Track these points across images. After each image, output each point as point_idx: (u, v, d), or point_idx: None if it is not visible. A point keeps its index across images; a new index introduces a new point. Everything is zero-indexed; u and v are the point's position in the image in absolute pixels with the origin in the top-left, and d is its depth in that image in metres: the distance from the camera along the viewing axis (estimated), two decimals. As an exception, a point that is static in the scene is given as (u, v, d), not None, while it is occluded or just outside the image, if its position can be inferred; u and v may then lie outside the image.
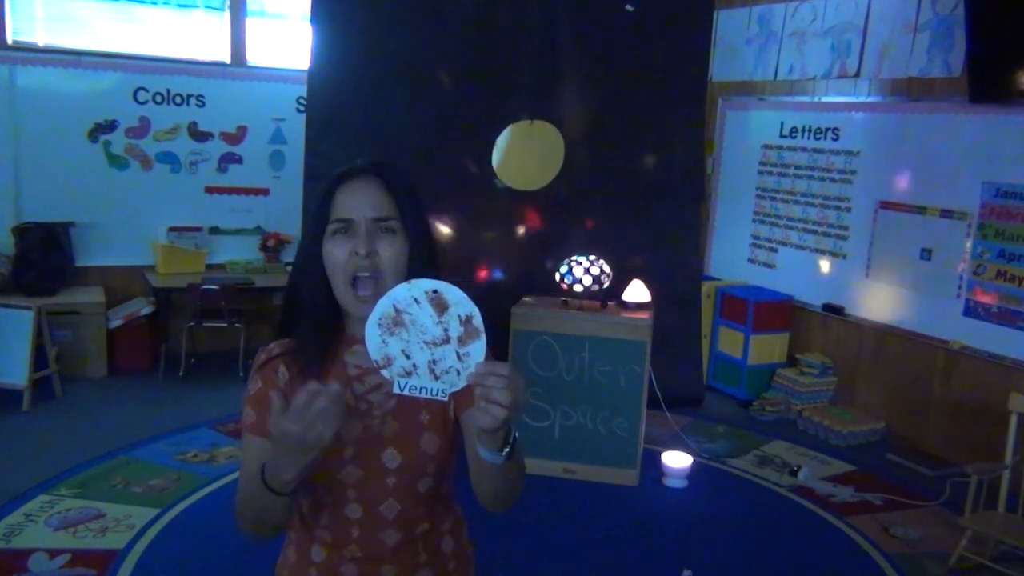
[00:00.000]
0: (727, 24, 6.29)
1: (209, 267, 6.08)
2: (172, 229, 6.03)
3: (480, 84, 4.80)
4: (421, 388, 1.22)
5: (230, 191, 6.19)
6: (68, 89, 5.65)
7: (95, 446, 4.47)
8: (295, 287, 1.46)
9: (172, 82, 5.91)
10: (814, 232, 5.68)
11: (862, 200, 5.34)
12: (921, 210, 4.96)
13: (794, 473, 4.53)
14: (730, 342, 5.88)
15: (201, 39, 6.02)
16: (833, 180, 5.53)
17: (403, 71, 4.69)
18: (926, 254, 4.94)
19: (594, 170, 5.04)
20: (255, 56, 6.17)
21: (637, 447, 4.33)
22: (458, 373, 1.20)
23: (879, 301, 5.24)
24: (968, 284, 4.70)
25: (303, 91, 5.23)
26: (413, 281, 1.21)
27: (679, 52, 5.11)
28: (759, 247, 6.15)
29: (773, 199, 6.01)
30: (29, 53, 5.58)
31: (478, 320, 1.19)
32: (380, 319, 1.21)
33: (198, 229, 6.12)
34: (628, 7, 4.88)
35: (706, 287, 5.85)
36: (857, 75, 5.34)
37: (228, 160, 6.16)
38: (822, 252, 5.63)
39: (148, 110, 5.88)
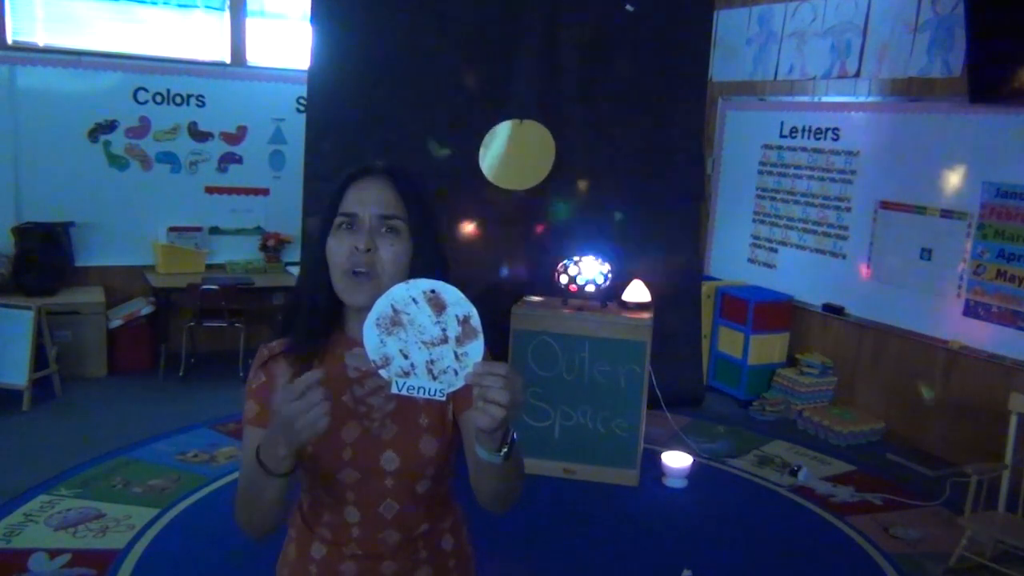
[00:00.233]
0: (727, 24, 6.29)
1: (209, 267, 6.08)
2: (172, 229, 6.03)
3: (480, 84, 4.80)
4: (419, 388, 1.22)
5: (230, 191, 6.19)
6: (68, 89, 5.65)
7: (95, 446, 4.47)
8: (299, 285, 1.48)
9: (172, 82, 5.91)
10: (814, 232, 5.68)
11: (862, 200, 5.34)
12: (921, 210, 4.96)
13: (794, 473, 4.53)
14: (730, 342, 5.88)
15: (201, 39, 6.02)
16: (833, 180, 5.53)
17: (403, 71, 4.69)
18: (926, 254, 4.94)
19: (593, 169, 5.04)
20: (255, 56, 6.17)
21: (637, 447, 4.33)
22: (456, 373, 1.20)
23: (879, 301, 5.24)
24: (968, 284, 4.70)
25: (303, 91, 5.23)
26: (411, 281, 1.21)
27: (679, 52, 5.10)
28: (759, 247, 6.15)
29: (773, 199, 6.01)
30: (29, 53, 5.58)
31: (476, 320, 1.20)
32: (378, 319, 1.21)
33: (198, 229, 6.12)
34: (628, 7, 4.88)
35: (706, 287, 5.85)
36: (857, 75, 5.34)
37: (228, 160, 6.16)
38: (822, 252, 5.63)
39: (148, 110, 5.88)
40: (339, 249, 1.37)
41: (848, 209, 5.43)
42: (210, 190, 6.14)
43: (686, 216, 5.33)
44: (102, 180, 5.81)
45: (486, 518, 1.43)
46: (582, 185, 5.06)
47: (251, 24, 6.13)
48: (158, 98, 5.89)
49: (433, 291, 1.20)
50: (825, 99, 5.58)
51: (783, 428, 5.33)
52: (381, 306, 1.21)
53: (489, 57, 4.79)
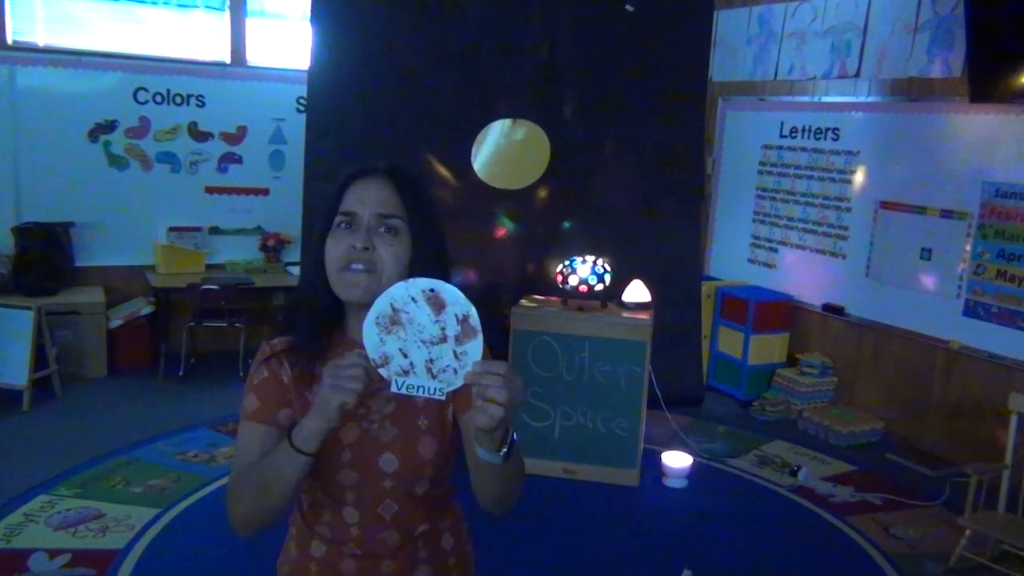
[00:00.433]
0: (727, 24, 6.29)
1: (209, 267, 6.08)
2: (172, 229, 6.03)
3: (480, 84, 4.80)
4: (419, 387, 1.22)
5: (230, 191, 6.19)
6: (68, 89, 5.65)
7: (95, 446, 4.47)
8: (299, 285, 1.48)
9: (172, 82, 5.91)
10: (814, 232, 5.68)
11: (862, 200, 5.34)
12: (921, 210, 4.96)
13: (794, 473, 4.53)
14: (730, 342, 5.88)
15: (201, 39, 6.02)
16: (833, 180, 5.53)
17: (403, 71, 4.69)
18: (926, 254, 4.93)
19: (594, 169, 5.04)
20: (255, 56, 6.17)
21: (637, 447, 4.33)
22: (455, 372, 1.20)
23: (879, 301, 5.24)
24: (968, 284, 4.70)
25: (303, 91, 5.23)
26: (410, 280, 1.21)
27: (679, 52, 5.10)
28: (759, 247, 6.15)
29: (773, 199, 6.01)
30: (29, 53, 5.58)
31: (475, 319, 1.20)
32: (377, 318, 1.21)
33: (198, 229, 6.12)
34: (628, 7, 4.88)
35: (706, 287, 5.85)
36: (857, 75, 5.34)
37: (228, 160, 6.16)
38: (822, 252, 5.63)
39: (148, 110, 5.88)
40: (337, 248, 1.37)
41: (848, 209, 5.43)
42: (210, 190, 6.14)
43: (686, 216, 5.33)
44: (102, 180, 5.81)
45: (486, 518, 1.44)
46: (582, 185, 5.06)
47: (251, 24, 6.13)
48: (158, 98, 5.89)
49: (432, 290, 1.20)
50: (825, 99, 5.58)
51: (783, 428, 5.33)
52: (380, 305, 1.21)
53: (488, 57, 4.79)
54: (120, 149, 5.85)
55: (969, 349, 4.70)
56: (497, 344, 1.26)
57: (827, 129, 5.56)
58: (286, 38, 6.22)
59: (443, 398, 1.23)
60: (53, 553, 3.43)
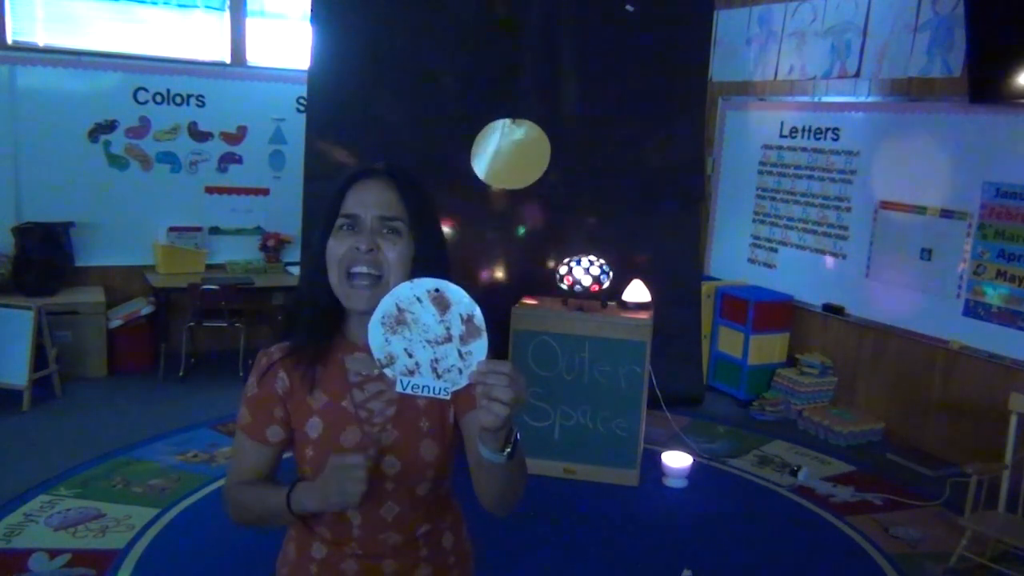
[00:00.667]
0: (727, 24, 6.29)
1: (209, 267, 6.08)
2: (172, 229, 6.03)
3: (480, 83, 4.81)
4: (424, 387, 1.22)
5: (230, 191, 6.19)
6: (68, 89, 5.65)
7: (95, 446, 4.47)
8: (299, 287, 1.48)
9: (172, 82, 5.91)
10: (814, 232, 5.68)
11: (862, 200, 5.34)
12: (921, 210, 4.96)
13: (794, 473, 4.53)
14: (730, 342, 5.88)
15: (201, 39, 6.02)
16: (833, 180, 5.53)
17: (403, 71, 4.70)
18: (926, 254, 4.94)
19: (594, 170, 5.04)
20: (255, 56, 6.17)
21: (637, 447, 4.33)
22: (460, 371, 1.21)
23: (879, 301, 5.24)
24: (968, 284, 4.71)
25: (303, 91, 5.24)
26: (415, 280, 1.22)
27: (679, 52, 5.11)
28: (759, 247, 6.15)
29: (773, 199, 6.01)
30: (29, 53, 5.57)
31: (479, 319, 1.20)
32: (383, 318, 1.22)
33: (198, 229, 6.12)
34: (628, 7, 4.89)
35: (706, 287, 5.85)
36: (857, 75, 5.34)
37: (228, 160, 6.16)
38: (822, 252, 5.63)
39: (148, 110, 5.87)
40: (339, 249, 1.37)
41: (848, 209, 5.43)
42: (210, 190, 6.14)
43: (686, 216, 5.34)
44: (102, 180, 5.81)
45: (486, 517, 1.44)
46: (582, 185, 5.06)
47: (251, 24, 6.13)
48: (158, 98, 5.89)
49: (437, 290, 1.20)
50: (825, 99, 5.58)
51: (783, 428, 5.33)
52: (386, 305, 1.22)
53: (489, 57, 4.79)
54: (120, 149, 5.84)
55: (969, 349, 4.71)
56: (495, 345, 1.26)
57: (827, 129, 5.56)
58: (286, 38, 6.21)
59: (448, 397, 1.24)
60: (53, 553, 3.43)
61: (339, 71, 4.59)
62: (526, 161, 4.85)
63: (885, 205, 5.19)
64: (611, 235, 5.04)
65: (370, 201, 1.38)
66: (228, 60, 6.08)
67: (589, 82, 4.98)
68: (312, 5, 4.52)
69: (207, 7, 6.01)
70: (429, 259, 1.39)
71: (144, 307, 5.82)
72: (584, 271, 4.31)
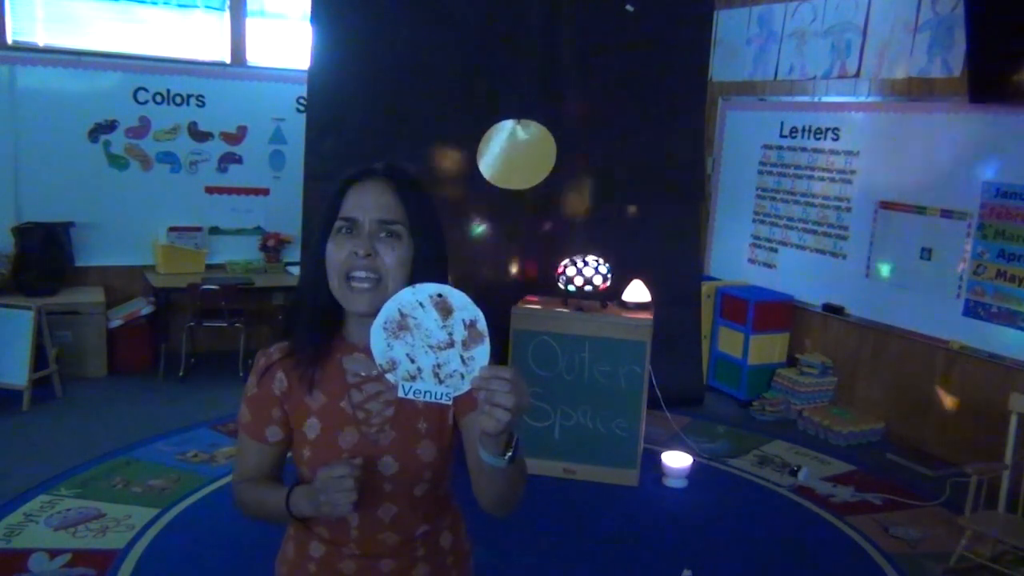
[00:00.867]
0: (727, 24, 6.29)
1: (209, 267, 6.08)
2: (172, 229, 6.03)
3: (480, 83, 4.80)
4: (425, 392, 1.22)
5: (230, 191, 6.19)
6: (68, 89, 5.65)
7: (95, 446, 4.47)
8: (299, 288, 1.48)
9: (172, 82, 5.91)
10: (814, 232, 5.68)
11: (862, 200, 5.34)
12: (921, 210, 4.96)
13: (794, 473, 4.53)
14: (730, 342, 5.88)
15: (201, 39, 6.02)
16: (833, 180, 5.53)
17: (403, 71, 4.69)
18: (926, 254, 4.94)
19: (594, 169, 5.04)
20: (255, 56, 6.17)
21: (637, 447, 4.33)
22: (462, 377, 1.21)
23: (879, 301, 5.24)
24: (968, 284, 4.71)
25: (303, 91, 5.23)
26: (418, 285, 1.21)
27: (679, 52, 5.10)
28: (759, 247, 6.15)
29: (773, 199, 6.01)
30: (29, 53, 5.57)
31: (482, 324, 1.20)
32: (385, 323, 1.21)
33: (198, 229, 6.11)
34: (628, 7, 4.88)
35: (706, 287, 5.85)
36: (857, 75, 5.34)
37: (228, 160, 6.16)
38: (822, 252, 5.63)
39: (148, 110, 5.87)
40: (338, 254, 1.36)
41: (848, 209, 5.43)
42: (210, 190, 6.14)
43: (686, 216, 5.33)
44: (102, 180, 5.81)
45: (487, 518, 1.44)
46: (582, 185, 5.06)
47: (251, 24, 6.13)
48: (158, 98, 5.89)
49: (440, 295, 1.20)
50: (825, 99, 5.58)
51: (783, 428, 5.33)
52: (388, 310, 1.21)
53: (489, 57, 4.79)
54: (120, 149, 5.84)
55: (969, 349, 4.71)
56: (495, 345, 1.26)
57: (827, 129, 5.56)
58: (286, 38, 6.21)
59: (450, 403, 1.24)
60: (53, 553, 3.43)
61: (339, 71, 4.59)
62: (532, 161, 4.85)
63: (885, 205, 5.19)
64: (611, 235, 5.04)
65: (369, 204, 1.37)
66: (228, 60, 6.08)
67: (589, 82, 4.97)
68: (312, 5, 4.52)
69: (207, 7, 6.01)
70: (429, 261, 1.39)
71: (144, 307, 5.82)
72: (584, 271, 4.30)
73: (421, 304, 1.20)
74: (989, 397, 4.56)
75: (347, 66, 4.59)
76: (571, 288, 4.32)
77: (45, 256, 5.50)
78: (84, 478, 4.12)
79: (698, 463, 4.57)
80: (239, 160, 6.18)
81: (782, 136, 5.91)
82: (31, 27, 5.61)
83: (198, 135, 6.04)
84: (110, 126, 5.79)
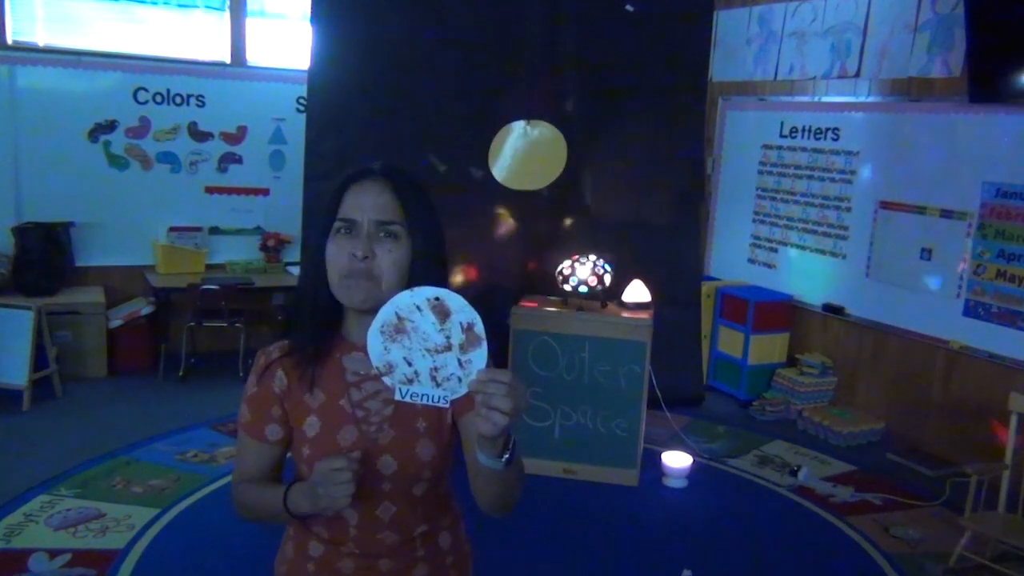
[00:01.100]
0: (727, 24, 6.29)
1: (209, 267, 6.08)
2: (172, 229, 6.03)
3: (480, 84, 4.81)
4: (423, 395, 1.22)
5: (230, 191, 6.19)
6: (68, 89, 5.65)
7: (95, 446, 4.47)
8: (299, 288, 1.48)
9: (172, 82, 5.91)
10: (814, 232, 5.68)
11: (862, 200, 5.33)
12: (921, 210, 4.96)
13: (794, 473, 4.53)
14: (730, 342, 5.88)
15: (201, 39, 6.02)
16: (833, 180, 5.53)
17: (403, 71, 4.70)
18: (926, 254, 4.94)
19: (594, 170, 5.05)
20: (255, 56, 6.16)
21: (637, 447, 4.33)
22: (460, 380, 1.20)
23: (879, 301, 5.24)
24: (968, 284, 4.70)
25: (303, 91, 5.23)
26: (415, 288, 1.21)
27: (679, 52, 5.11)
28: (759, 247, 6.15)
29: (773, 199, 6.01)
30: (29, 53, 5.57)
31: (480, 327, 1.19)
32: (382, 326, 1.21)
33: (198, 229, 6.11)
34: (628, 7, 4.89)
35: (706, 287, 5.85)
36: (857, 75, 5.34)
37: (228, 160, 6.16)
38: (822, 252, 5.63)
39: (148, 110, 5.87)
40: (338, 255, 1.37)
41: (848, 209, 5.43)
42: (210, 190, 6.14)
43: (686, 216, 5.34)
44: (102, 180, 5.81)
45: (486, 518, 1.44)
46: (582, 185, 5.06)
47: (251, 24, 6.12)
48: (158, 98, 5.89)
49: (437, 298, 1.20)
50: (825, 99, 5.58)
51: (783, 428, 5.33)
52: (385, 313, 1.21)
53: (489, 57, 4.79)
54: (120, 149, 5.84)
55: (969, 349, 4.71)
56: (495, 345, 1.26)
57: (827, 129, 5.56)
58: (286, 38, 6.21)
59: (447, 406, 1.24)
60: (53, 553, 3.43)
61: (339, 71, 4.59)
62: (544, 162, 4.86)
63: (885, 205, 5.19)
64: (611, 235, 5.04)
65: (367, 204, 1.37)
66: (228, 60, 6.08)
67: (589, 82, 4.98)
68: (312, 5, 4.52)
69: (207, 7, 6.01)
70: (428, 261, 1.39)
71: (144, 307, 5.82)
72: (584, 271, 4.30)
73: (418, 307, 1.20)
74: (989, 397, 4.56)
75: (347, 66, 4.60)
76: (571, 288, 4.32)
77: (45, 256, 5.50)
78: (84, 478, 4.12)
79: (698, 463, 4.57)
80: (239, 160, 6.18)
81: (782, 136, 5.91)
82: (31, 27, 5.61)
83: (198, 135, 6.04)
84: (110, 126, 5.79)
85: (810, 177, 5.70)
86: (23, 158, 5.59)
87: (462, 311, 1.19)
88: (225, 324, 5.69)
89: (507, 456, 1.23)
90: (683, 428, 4.99)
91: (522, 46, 4.84)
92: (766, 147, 6.05)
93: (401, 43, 4.68)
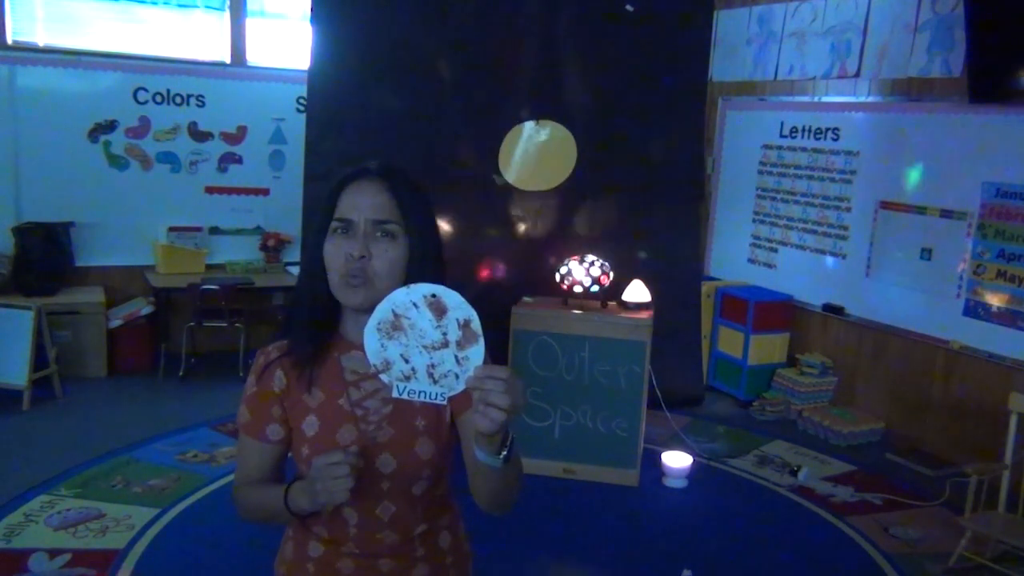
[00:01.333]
0: (727, 24, 6.29)
1: (209, 267, 6.08)
2: (172, 229, 6.03)
3: (480, 84, 4.81)
4: (420, 392, 1.22)
5: (230, 191, 6.19)
6: (68, 89, 5.65)
7: (95, 446, 4.47)
8: (297, 287, 1.48)
9: (172, 82, 5.91)
10: (814, 232, 5.68)
11: (862, 200, 5.33)
12: (921, 210, 4.96)
13: (794, 473, 4.53)
14: (730, 342, 5.88)
15: (201, 39, 6.02)
16: (833, 180, 5.53)
17: (403, 71, 4.70)
18: (926, 254, 4.93)
19: (594, 170, 5.04)
20: (255, 56, 6.17)
21: (637, 447, 4.33)
22: (457, 377, 1.20)
23: (879, 301, 5.24)
24: (968, 284, 4.70)
25: (303, 91, 5.24)
26: (412, 286, 1.21)
27: (679, 52, 5.11)
28: (759, 247, 6.15)
29: (773, 199, 6.01)
30: (29, 53, 5.57)
31: (476, 324, 1.19)
32: (379, 324, 1.21)
33: (198, 229, 6.11)
34: (628, 7, 4.89)
35: (706, 287, 5.85)
36: (857, 75, 5.34)
37: (228, 160, 6.16)
38: (822, 252, 5.63)
39: (148, 110, 5.87)
40: (335, 255, 1.37)
41: (848, 209, 5.43)
42: (210, 190, 6.14)
43: (686, 216, 5.34)
44: (102, 180, 5.81)
45: (485, 517, 1.44)
46: (582, 185, 5.06)
47: (251, 24, 6.12)
48: (158, 98, 5.89)
49: (434, 295, 1.20)
50: (825, 99, 5.58)
51: (783, 428, 5.33)
52: (382, 311, 1.21)
53: (489, 57, 4.79)
54: (120, 149, 5.84)
55: (969, 349, 4.70)
56: (495, 345, 1.26)
57: (827, 129, 5.56)
58: (286, 38, 6.21)
59: (445, 403, 1.23)
60: (53, 553, 3.43)
61: (339, 71, 4.59)
62: (553, 162, 4.87)
63: (885, 205, 5.19)
64: (611, 235, 5.04)
65: (363, 204, 1.37)
66: (228, 60, 6.08)
67: (589, 82, 4.98)
68: (312, 5, 4.52)
69: (207, 7, 6.01)
70: (425, 260, 1.39)
71: (144, 307, 5.82)
72: (584, 271, 4.30)
73: (415, 304, 1.20)
74: (989, 397, 4.55)
75: (347, 66, 4.60)
76: (571, 288, 4.32)
77: (45, 256, 5.50)
78: (84, 478, 4.12)
79: (698, 463, 4.57)
80: (239, 160, 6.18)
81: (782, 136, 5.91)
82: (31, 27, 5.61)
83: (198, 135, 6.04)
84: (110, 126, 5.79)
85: (810, 177, 5.70)
86: (23, 158, 5.59)
87: (459, 308, 1.19)
88: (225, 324, 5.69)
89: (505, 453, 1.23)
90: (683, 428, 4.99)
91: (522, 46, 4.84)
92: (766, 147, 6.05)
93: (401, 43, 4.68)
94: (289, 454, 1.50)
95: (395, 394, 1.23)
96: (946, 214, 4.81)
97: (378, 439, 1.42)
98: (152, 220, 5.97)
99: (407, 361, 1.21)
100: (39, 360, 5.06)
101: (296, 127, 5.75)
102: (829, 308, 5.56)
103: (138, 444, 4.55)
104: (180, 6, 5.93)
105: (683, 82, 5.16)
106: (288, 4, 6.21)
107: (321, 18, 4.53)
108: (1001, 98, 4.40)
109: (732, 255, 6.39)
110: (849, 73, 5.39)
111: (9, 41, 5.52)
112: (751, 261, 6.22)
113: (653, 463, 4.44)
